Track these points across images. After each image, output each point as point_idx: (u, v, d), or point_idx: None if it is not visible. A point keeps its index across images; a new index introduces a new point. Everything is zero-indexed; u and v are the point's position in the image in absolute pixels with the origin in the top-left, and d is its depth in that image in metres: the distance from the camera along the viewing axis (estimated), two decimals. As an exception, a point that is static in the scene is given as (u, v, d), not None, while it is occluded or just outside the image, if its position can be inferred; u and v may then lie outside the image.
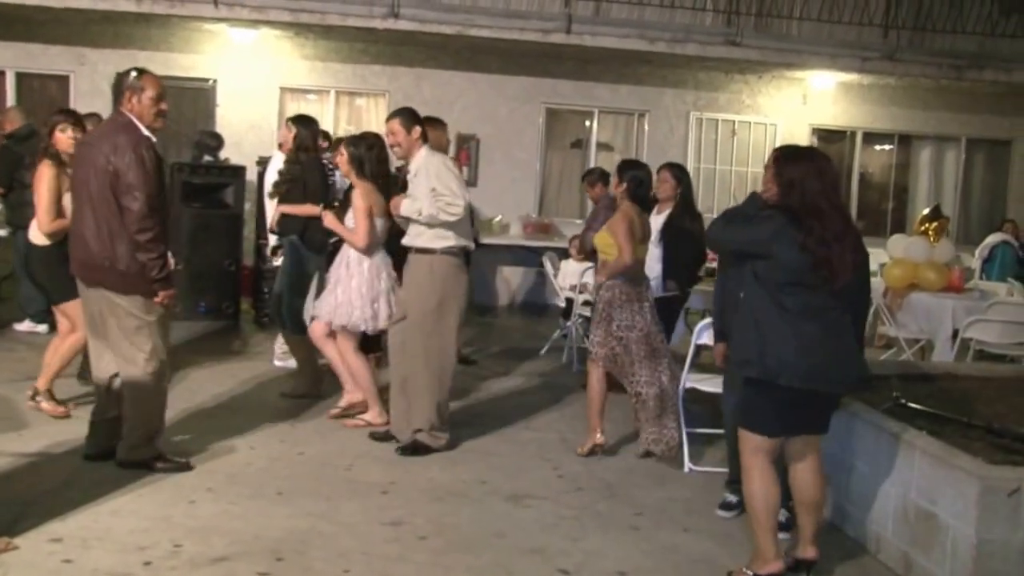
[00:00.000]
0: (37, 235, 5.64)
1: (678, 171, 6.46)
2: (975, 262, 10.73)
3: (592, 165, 11.56)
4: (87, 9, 9.71)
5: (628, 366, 5.39)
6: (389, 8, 10.00)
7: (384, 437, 5.59)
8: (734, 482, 4.73)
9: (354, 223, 5.71)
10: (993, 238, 10.97)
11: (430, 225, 5.30)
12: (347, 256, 5.83)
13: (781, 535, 4.37)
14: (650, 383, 5.37)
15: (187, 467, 4.85)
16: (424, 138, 5.44)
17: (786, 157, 3.93)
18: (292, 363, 7.00)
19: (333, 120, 11.41)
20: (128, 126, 4.61)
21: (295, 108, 11.29)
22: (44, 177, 5.52)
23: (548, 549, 4.19)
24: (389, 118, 5.50)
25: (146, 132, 4.63)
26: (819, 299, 3.76)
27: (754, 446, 3.88)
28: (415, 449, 5.38)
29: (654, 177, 6.16)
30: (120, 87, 4.70)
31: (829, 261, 3.69)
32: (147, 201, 4.48)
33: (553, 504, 4.76)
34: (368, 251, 5.74)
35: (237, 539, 4.05)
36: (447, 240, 5.34)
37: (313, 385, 6.45)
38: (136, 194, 4.47)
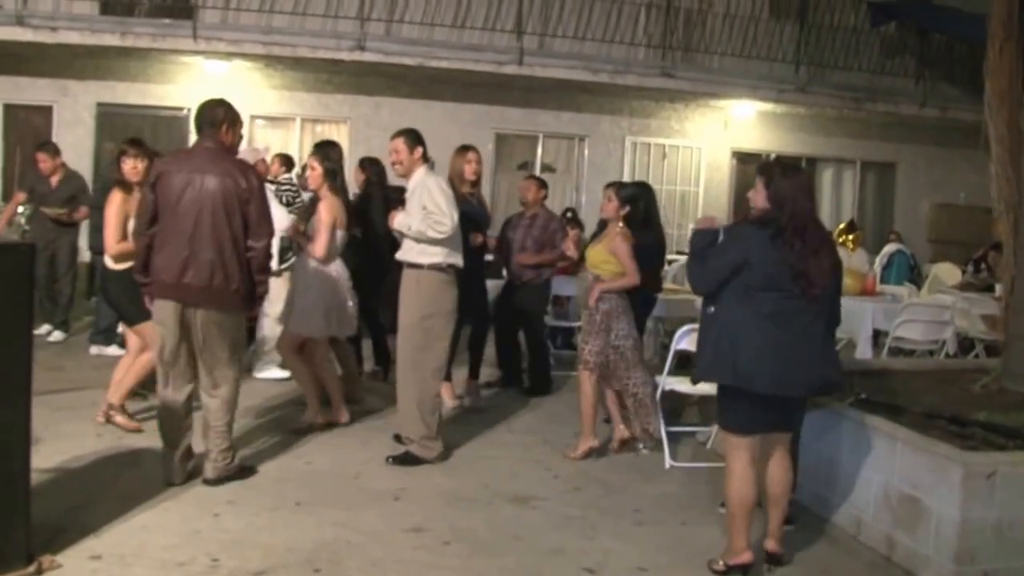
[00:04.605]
0: (110, 259, 5.30)
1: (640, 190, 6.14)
2: (876, 268, 10.92)
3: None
4: (75, 44, 9.35)
5: (623, 371, 5.21)
6: (356, 41, 9.75)
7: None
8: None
9: (315, 234, 5.51)
10: (890, 247, 11.16)
11: (418, 240, 5.02)
12: (306, 266, 5.61)
13: None
14: (645, 383, 5.23)
15: (253, 471, 4.72)
16: (425, 158, 5.16)
17: (780, 173, 3.73)
18: (271, 373, 6.72)
19: (299, 145, 11.06)
20: (231, 154, 4.39)
21: (263, 135, 10.93)
22: (113, 202, 5.18)
23: (567, 549, 3.98)
24: (394, 136, 5.19)
25: None
26: (791, 305, 3.58)
27: (733, 443, 3.74)
28: (405, 460, 5.03)
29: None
30: (211, 118, 4.34)
31: (806, 273, 3.57)
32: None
33: (557, 504, 4.55)
34: (325, 261, 5.54)
35: (270, 552, 3.73)
36: (434, 256, 5.03)
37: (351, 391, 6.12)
38: (268, 221, 4.32)
